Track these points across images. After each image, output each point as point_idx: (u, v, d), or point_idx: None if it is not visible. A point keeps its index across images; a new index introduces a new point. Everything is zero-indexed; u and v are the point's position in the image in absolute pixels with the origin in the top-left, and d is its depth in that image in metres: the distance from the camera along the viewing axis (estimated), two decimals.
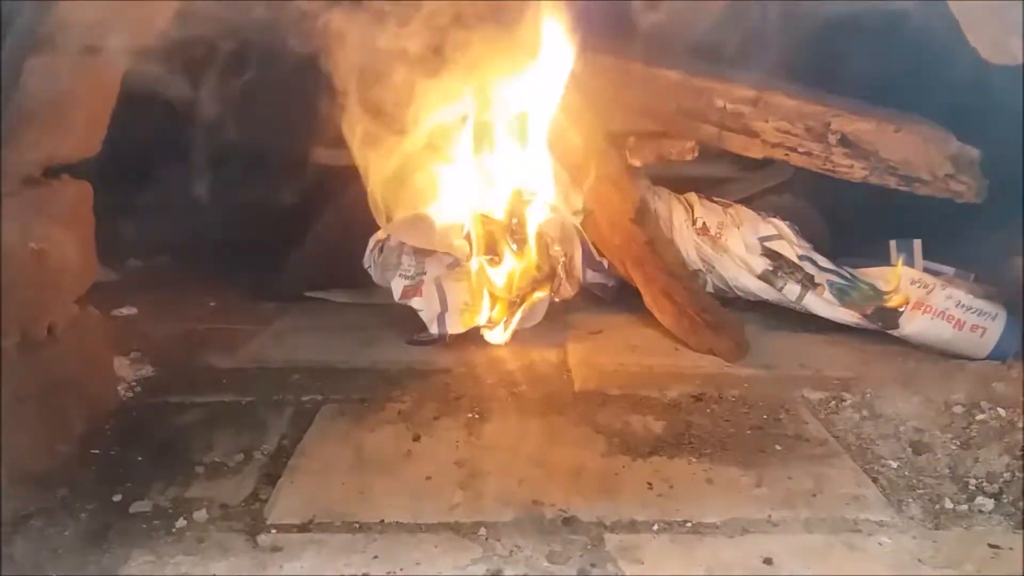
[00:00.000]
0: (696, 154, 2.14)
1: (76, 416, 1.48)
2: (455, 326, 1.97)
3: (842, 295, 1.96)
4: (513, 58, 1.95)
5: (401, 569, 1.16)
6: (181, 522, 1.27)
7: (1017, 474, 1.45)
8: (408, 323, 2.00)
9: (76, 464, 1.41)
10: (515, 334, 1.99)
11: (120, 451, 1.49)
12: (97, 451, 1.48)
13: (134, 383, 1.76)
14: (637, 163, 2.16)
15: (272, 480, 1.39)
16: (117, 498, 1.33)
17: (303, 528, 1.26)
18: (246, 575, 1.15)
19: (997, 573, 1.18)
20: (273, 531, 1.25)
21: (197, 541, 1.23)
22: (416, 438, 1.53)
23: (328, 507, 1.31)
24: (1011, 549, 1.24)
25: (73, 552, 1.19)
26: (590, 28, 1.97)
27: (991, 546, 1.24)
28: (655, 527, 1.26)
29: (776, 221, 2.07)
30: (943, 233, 2.05)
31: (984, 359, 1.85)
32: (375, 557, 1.19)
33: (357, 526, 1.26)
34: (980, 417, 1.63)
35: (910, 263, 2.02)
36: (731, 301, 2.10)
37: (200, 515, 1.29)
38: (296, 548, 1.21)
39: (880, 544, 1.24)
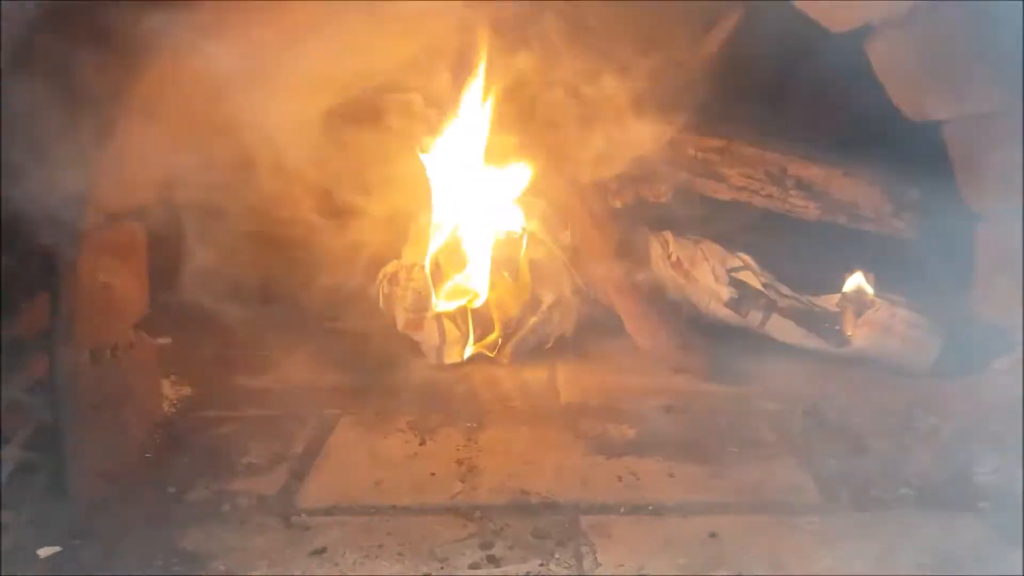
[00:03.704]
0: (670, 196, 2.42)
1: (133, 424, 1.74)
2: (452, 357, 2.23)
3: (800, 319, 2.21)
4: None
5: (410, 541, 1.41)
6: (226, 507, 1.52)
7: (942, 471, 1.69)
8: (415, 348, 2.25)
9: (134, 464, 1.67)
10: (511, 357, 2.25)
11: (169, 455, 1.74)
12: (150, 455, 1.74)
13: (176, 401, 2.01)
14: (618, 204, 2.43)
15: (300, 477, 1.65)
16: (171, 490, 1.59)
17: (328, 512, 1.51)
18: (282, 547, 1.40)
19: (906, 548, 1.42)
20: (303, 515, 1.50)
21: (240, 522, 1.48)
22: (422, 443, 1.79)
23: (349, 496, 1.56)
24: (921, 525, 1.48)
25: (139, 528, 1.44)
26: None
27: (905, 523, 1.49)
28: (622, 510, 1.51)
29: (742, 255, 2.32)
30: (895, 270, 2.29)
31: (924, 373, 2.09)
32: (388, 533, 1.44)
33: (373, 510, 1.51)
34: (915, 424, 1.87)
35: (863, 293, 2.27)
36: (703, 327, 2.35)
37: (241, 502, 1.54)
38: (323, 527, 1.46)
39: (810, 522, 1.48)
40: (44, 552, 1.34)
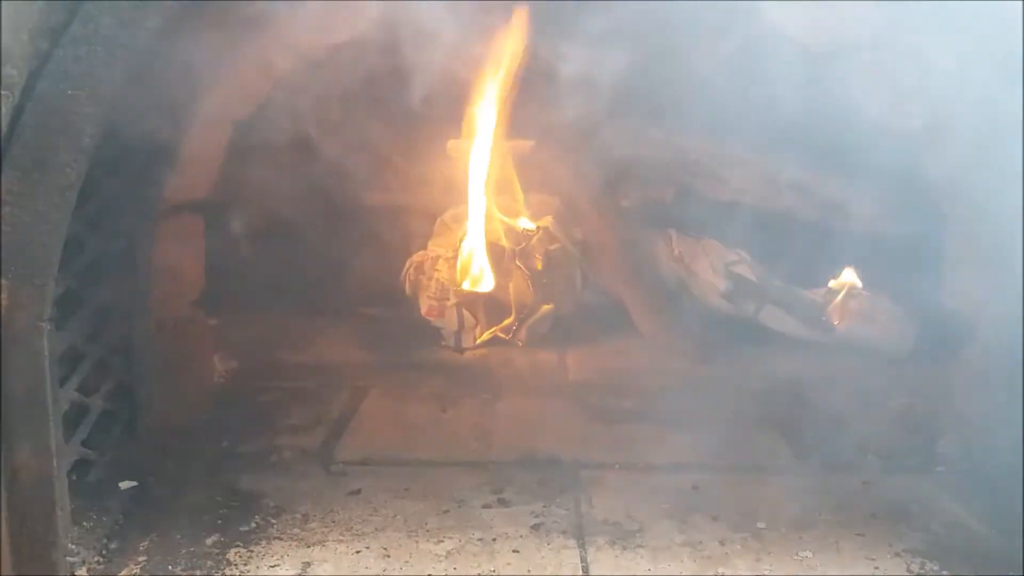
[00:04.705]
0: (675, 197, 2.63)
1: (191, 388, 1.99)
2: (469, 342, 2.47)
3: (791, 309, 2.41)
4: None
5: (433, 486, 1.63)
6: (274, 458, 1.76)
7: (909, 442, 1.89)
8: (437, 332, 2.48)
9: (192, 421, 1.91)
10: (526, 340, 2.47)
11: (221, 417, 1.98)
12: (204, 416, 1.98)
13: (224, 372, 2.26)
14: (626, 203, 2.65)
15: (337, 435, 1.88)
16: (225, 444, 1.83)
17: (362, 463, 1.75)
18: (323, 488, 1.64)
19: (863, 501, 1.62)
20: (341, 464, 1.74)
21: (286, 470, 1.72)
22: (444, 410, 2.02)
23: (380, 451, 1.80)
24: (881, 484, 1.68)
25: (201, 472, 1.68)
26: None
27: (864, 482, 1.69)
28: (616, 466, 1.73)
29: (739, 250, 2.53)
30: (878, 265, 2.48)
31: (901, 359, 2.28)
32: (414, 480, 1.66)
33: (402, 462, 1.75)
34: (891, 404, 2.07)
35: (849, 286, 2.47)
36: (703, 316, 2.56)
37: (287, 455, 1.78)
38: (358, 474, 1.70)
39: (782, 480, 1.69)
40: (124, 485, 1.59)
